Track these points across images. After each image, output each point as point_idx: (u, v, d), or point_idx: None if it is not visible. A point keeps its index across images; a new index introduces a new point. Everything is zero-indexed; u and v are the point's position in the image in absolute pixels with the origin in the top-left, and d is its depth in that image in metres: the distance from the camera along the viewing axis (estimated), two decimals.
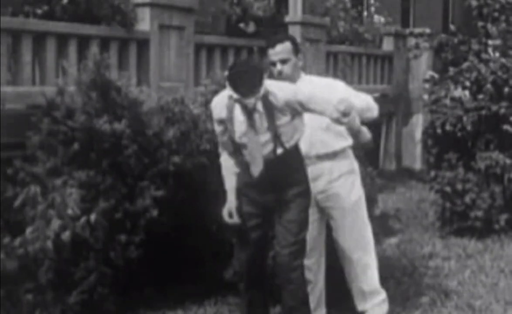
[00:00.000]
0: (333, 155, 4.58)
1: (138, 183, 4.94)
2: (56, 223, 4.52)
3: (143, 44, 7.05)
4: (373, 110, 4.57)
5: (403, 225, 7.93)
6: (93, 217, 4.60)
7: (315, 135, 4.49)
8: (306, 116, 4.26)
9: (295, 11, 10.13)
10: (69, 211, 4.58)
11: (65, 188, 4.68)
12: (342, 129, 4.35)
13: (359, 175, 4.75)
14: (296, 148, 4.25)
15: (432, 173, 7.89)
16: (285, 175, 4.21)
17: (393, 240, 7.15)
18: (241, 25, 8.83)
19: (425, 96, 8.75)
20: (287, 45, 4.45)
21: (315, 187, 4.48)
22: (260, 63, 4.58)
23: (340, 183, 4.59)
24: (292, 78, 4.43)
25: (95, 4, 6.71)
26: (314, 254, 4.63)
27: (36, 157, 4.89)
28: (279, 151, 4.15)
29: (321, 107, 4.12)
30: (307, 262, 4.38)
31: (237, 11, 8.90)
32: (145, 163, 4.99)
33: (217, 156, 4.50)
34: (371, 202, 5.54)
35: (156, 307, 5.10)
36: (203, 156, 5.15)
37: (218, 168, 4.42)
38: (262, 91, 3.97)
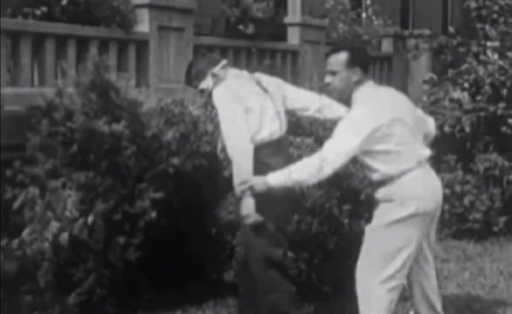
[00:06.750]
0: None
1: (137, 184, 4.93)
2: (54, 225, 4.52)
3: (142, 45, 7.05)
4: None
5: None
6: (90, 218, 4.59)
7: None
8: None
9: (294, 12, 10.10)
10: (67, 213, 4.57)
11: (63, 190, 4.68)
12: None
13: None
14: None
15: None
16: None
17: None
18: (240, 26, 8.83)
19: (424, 98, 8.74)
20: (340, 56, 4.03)
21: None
22: (198, 62, 4.47)
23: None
24: (342, 92, 4.07)
25: (94, 5, 6.71)
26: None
27: (35, 158, 4.88)
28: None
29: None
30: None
31: (236, 12, 8.90)
32: (144, 165, 4.98)
33: (216, 157, 4.52)
34: (371, 203, 5.53)
35: (155, 309, 5.08)
36: (203, 158, 5.14)
37: (217, 170, 4.42)
38: (201, 86, 4.29)
